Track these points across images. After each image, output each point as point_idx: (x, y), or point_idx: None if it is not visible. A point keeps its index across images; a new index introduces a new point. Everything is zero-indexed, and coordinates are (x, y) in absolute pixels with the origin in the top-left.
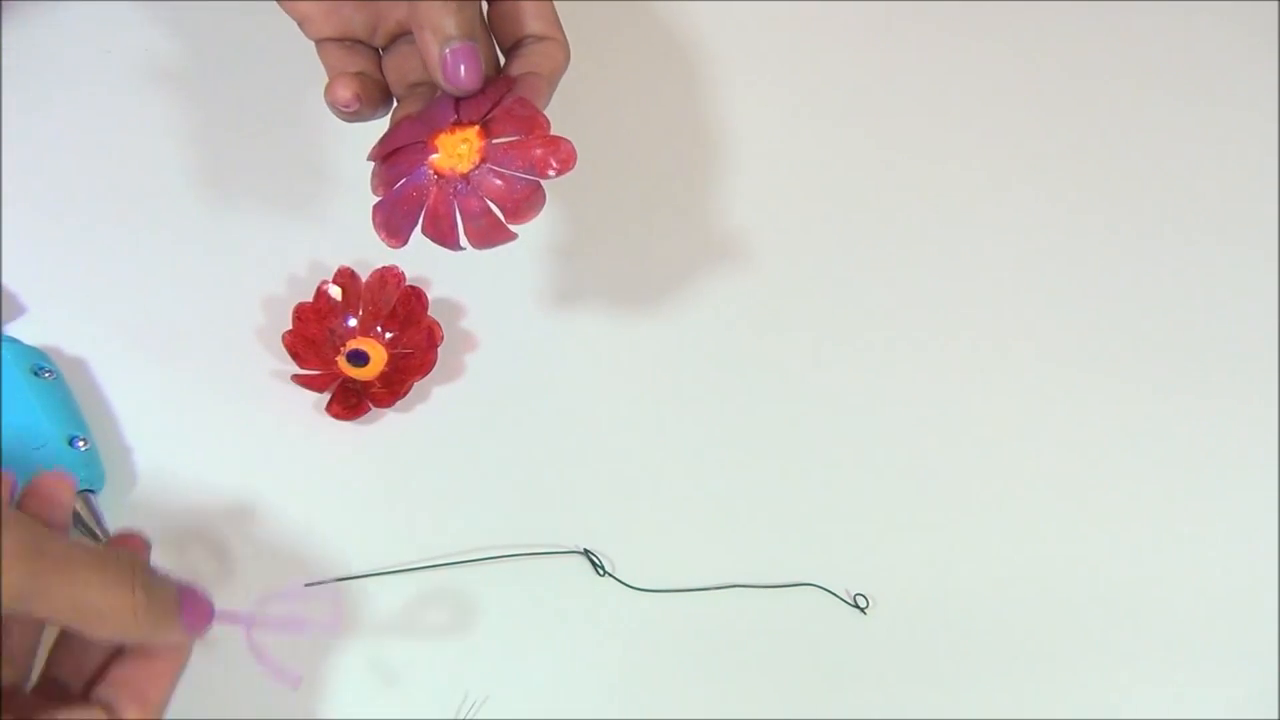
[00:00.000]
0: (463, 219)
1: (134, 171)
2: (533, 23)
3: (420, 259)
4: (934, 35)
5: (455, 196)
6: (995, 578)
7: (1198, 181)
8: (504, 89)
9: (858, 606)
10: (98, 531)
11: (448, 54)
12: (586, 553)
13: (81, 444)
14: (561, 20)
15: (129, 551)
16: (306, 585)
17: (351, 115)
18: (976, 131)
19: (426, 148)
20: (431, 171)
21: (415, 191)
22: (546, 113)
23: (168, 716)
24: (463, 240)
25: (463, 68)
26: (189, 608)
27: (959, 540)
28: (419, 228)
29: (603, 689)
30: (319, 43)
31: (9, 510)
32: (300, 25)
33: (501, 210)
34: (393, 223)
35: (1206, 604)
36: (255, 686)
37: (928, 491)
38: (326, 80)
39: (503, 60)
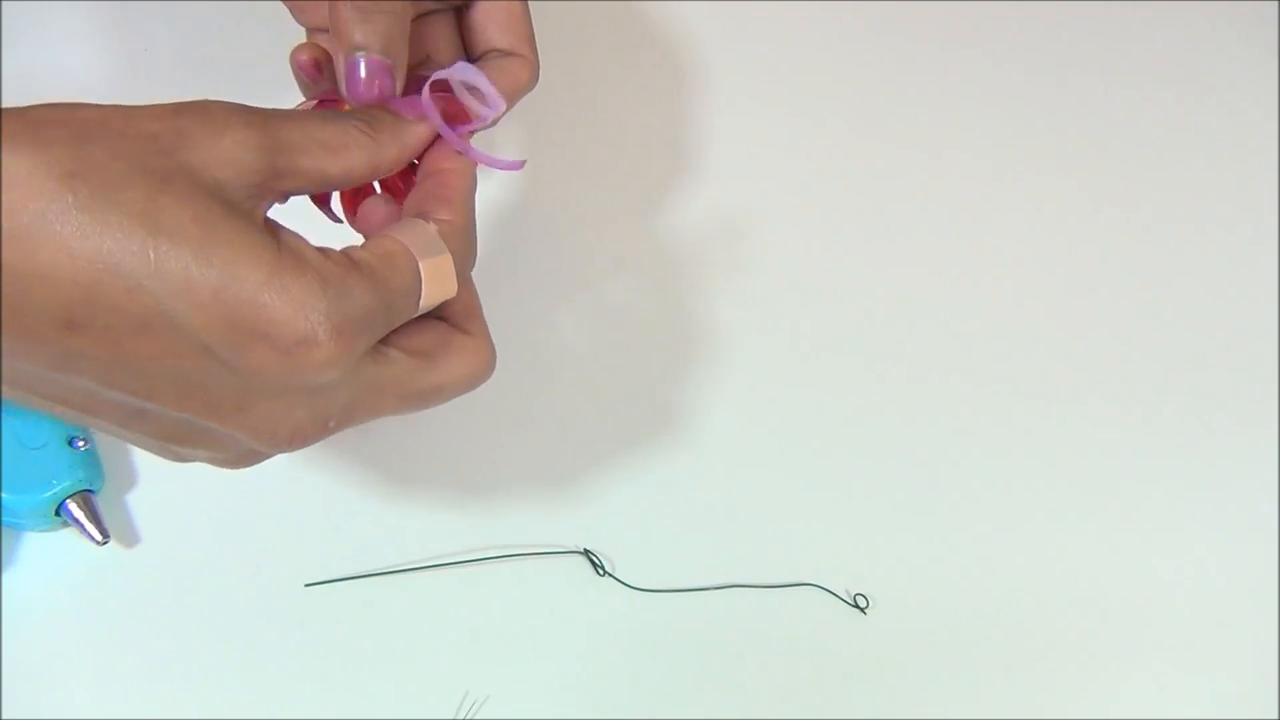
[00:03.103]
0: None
1: None
2: (498, 37)
3: None
4: (931, 36)
5: None
6: (995, 578)
7: (1197, 182)
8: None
9: (858, 606)
10: (96, 533)
11: (348, 64)
12: (586, 553)
13: (81, 444)
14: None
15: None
16: (306, 585)
17: (312, 84)
18: (971, 135)
19: (336, 106)
20: None
21: None
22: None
23: None
24: (334, 206)
25: (362, 82)
26: (408, 108)
27: (959, 540)
28: None
29: (603, 689)
30: (310, 31)
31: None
32: (293, 13)
33: (380, 185)
34: None
35: (1206, 604)
36: None
37: (928, 492)
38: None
39: None
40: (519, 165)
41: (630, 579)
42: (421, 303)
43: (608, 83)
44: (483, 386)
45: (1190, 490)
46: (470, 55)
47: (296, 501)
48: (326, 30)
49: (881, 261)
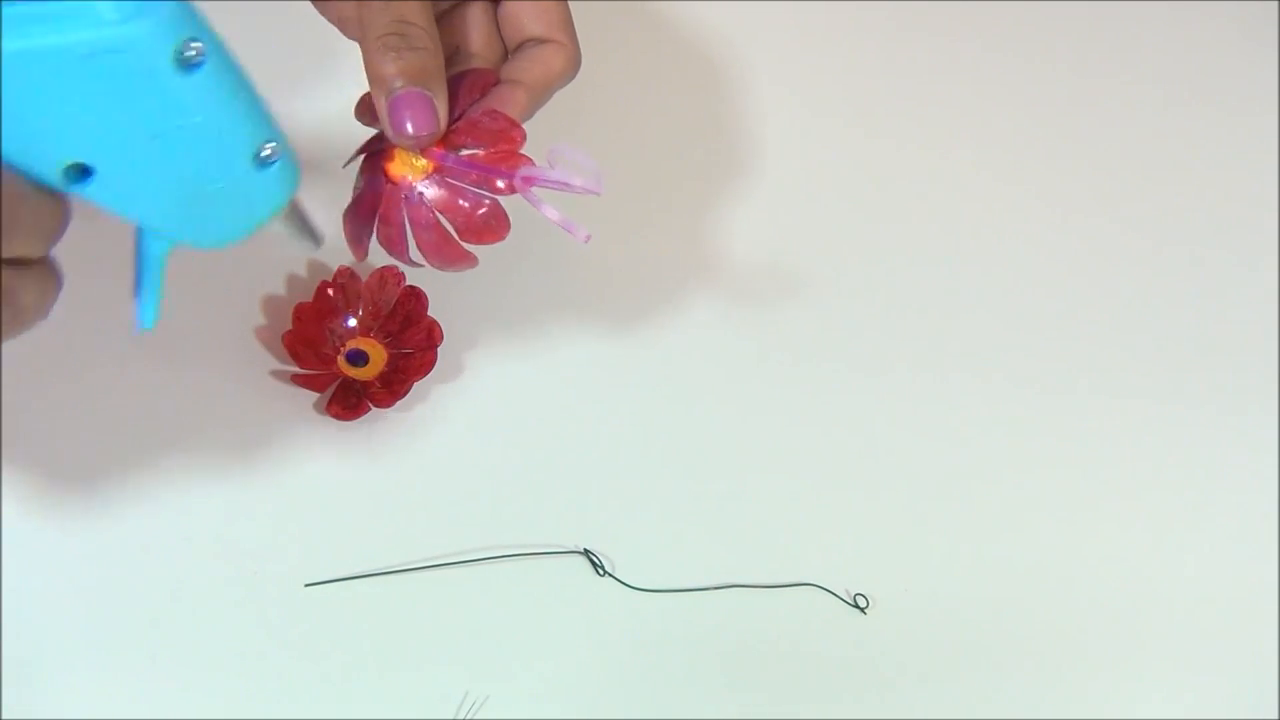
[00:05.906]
0: (412, 230)
1: None
2: (533, 25)
3: None
4: (932, 39)
5: (406, 205)
6: (995, 578)
7: (1197, 182)
8: (475, 94)
9: (858, 606)
10: (310, 244)
11: (389, 103)
12: (586, 553)
13: (270, 150)
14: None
15: None
16: (306, 585)
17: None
18: (969, 133)
19: (385, 154)
20: (384, 178)
21: (371, 197)
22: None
23: None
24: (414, 253)
25: (407, 118)
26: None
27: (958, 540)
28: (375, 236)
29: (603, 689)
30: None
31: None
32: (339, 27)
33: (454, 226)
34: (354, 229)
35: (1206, 604)
36: None
37: (927, 492)
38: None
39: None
40: (586, 237)
41: (630, 579)
42: None
43: (633, 86)
44: (482, 386)
45: (1190, 491)
46: (508, 49)
47: (296, 501)
48: None
49: (881, 262)
